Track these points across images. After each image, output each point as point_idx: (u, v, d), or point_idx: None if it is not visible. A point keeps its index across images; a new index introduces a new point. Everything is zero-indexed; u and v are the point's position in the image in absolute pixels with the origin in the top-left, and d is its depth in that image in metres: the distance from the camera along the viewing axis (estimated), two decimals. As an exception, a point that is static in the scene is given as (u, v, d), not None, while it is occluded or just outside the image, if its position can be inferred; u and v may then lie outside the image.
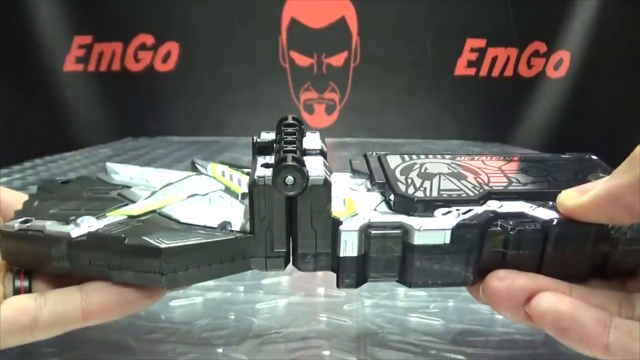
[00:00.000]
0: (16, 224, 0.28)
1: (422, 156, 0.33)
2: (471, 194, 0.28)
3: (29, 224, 0.28)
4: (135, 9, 0.99)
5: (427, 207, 0.27)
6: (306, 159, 0.28)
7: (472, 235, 0.26)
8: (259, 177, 0.27)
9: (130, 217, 0.28)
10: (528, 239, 0.27)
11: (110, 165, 0.36)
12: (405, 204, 0.28)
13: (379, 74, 1.06)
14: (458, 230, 0.26)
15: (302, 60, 1.06)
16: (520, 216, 0.27)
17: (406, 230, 0.26)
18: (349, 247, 0.27)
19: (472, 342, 0.35)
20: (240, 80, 1.04)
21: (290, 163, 0.26)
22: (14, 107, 0.85)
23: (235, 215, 0.30)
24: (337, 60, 1.06)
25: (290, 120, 0.31)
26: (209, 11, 1.01)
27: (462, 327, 0.37)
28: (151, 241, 0.26)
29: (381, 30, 1.05)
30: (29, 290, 0.29)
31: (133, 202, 0.30)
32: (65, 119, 0.92)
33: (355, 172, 0.32)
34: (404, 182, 0.29)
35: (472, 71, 1.06)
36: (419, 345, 0.34)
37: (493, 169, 0.31)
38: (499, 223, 0.27)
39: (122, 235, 0.26)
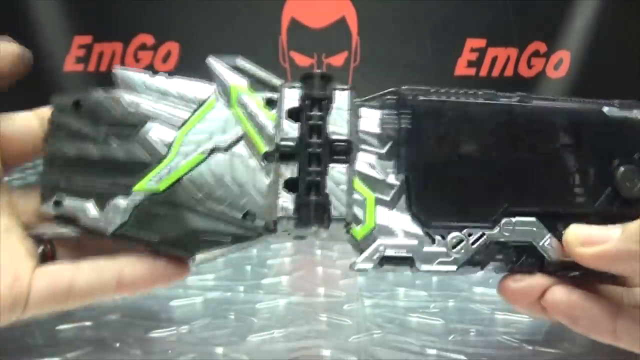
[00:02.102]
0: (51, 209, 0.29)
1: (459, 112, 0.30)
2: (488, 212, 0.29)
3: (62, 209, 0.29)
4: (135, 9, 0.99)
5: (443, 231, 0.29)
6: (331, 172, 0.29)
7: (476, 268, 0.29)
8: (282, 209, 0.28)
9: (155, 194, 0.29)
10: (525, 271, 0.29)
11: (120, 74, 0.32)
12: (423, 222, 0.29)
13: (379, 74, 1.06)
14: (462, 268, 0.29)
15: (302, 60, 1.06)
16: (530, 253, 0.29)
17: (413, 262, 0.28)
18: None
19: (472, 342, 0.35)
20: (240, 80, 1.04)
21: (313, 215, 0.28)
22: (14, 107, 0.85)
23: (257, 192, 0.30)
24: (337, 60, 1.06)
25: (316, 93, 0.30)
26: (209, 11, 1.01)
27: (462, 327, 0.37)
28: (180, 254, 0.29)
29: (381, 30, 1.04)
30: (54, 256, 0.30)
31: (155, 156, 0.30)
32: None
33: (384, 128, 0.30)
34: (430, 181, 0.30)
35: (472, 71, 1.06)
36: (419, 345, 0.34)
37: (520, 154, 0.30)
38: (502, 257, 0.29)
39: (156, 240, 0.29)
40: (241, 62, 0.32)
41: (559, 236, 0.29)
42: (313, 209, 0.28)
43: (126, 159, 0.30)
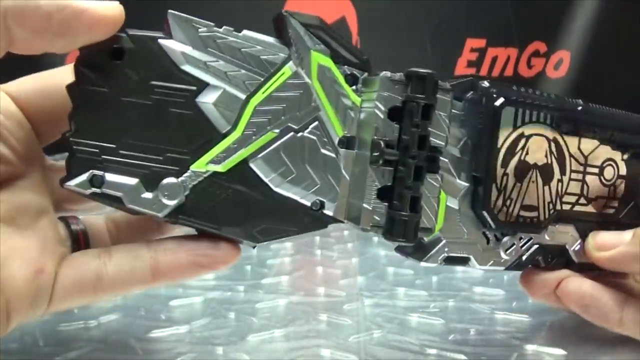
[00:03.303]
0: (86, 186, 0.24)
1: (534, 114, 0.30)
2: (542, 217, 0.31)
3: (100, 188, 0.24)
4: (135, 9, 0.99)
5: (496, 235, 0.30)
6: (426, 183, 0.28)
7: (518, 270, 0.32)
8: (374, 218, 0.27)
9: (217, 173, 0.25)
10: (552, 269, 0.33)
11: (176, 19, 0.27)
12: (484, 224, 0.30)
13: (379, 74, 1.06)
14: (508, 269, 0.31)
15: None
16: (560, 254, 0.32)
17: (469, 261, 0.30)
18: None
19: (472, 341, 0.35)
20: (240, 80, 1.04)
21: (407, 232, 0.27)
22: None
23: (330, 180, 0.27)
24: (337, 60, 1.06)
25: (427, 99, 0.27)
26: (209, 11, 1.01)
27: (462, 327, 0.37)
28: (245, 242, 0.27)
29: (381, 30, 1.04)
30: (86, 234, 0.27)
31: (219, 129, 0.25)
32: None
33: (463, 123, 0.29)
34: (499, 184, 0.30)
35: (472, 71, 1.06)
36: (419, 344, 0.34)
37: (581, 161, 0.32)
38: (540, 259, 0.32)
39: (216, 228, 0.25)
40: (323, 24, 0.27)
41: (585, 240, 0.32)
42: (405, 226, 0.27)
43: (182, 130, 0.25)
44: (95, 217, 0.28)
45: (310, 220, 0.27)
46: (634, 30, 0.86)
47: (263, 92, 0.26)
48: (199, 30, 0.26)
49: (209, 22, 0.26)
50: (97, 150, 0.24)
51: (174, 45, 0.25)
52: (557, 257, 0.32)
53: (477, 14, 1.02)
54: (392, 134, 0.27)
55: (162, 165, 0.24)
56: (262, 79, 0.26)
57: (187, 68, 0.25)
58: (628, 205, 0.33)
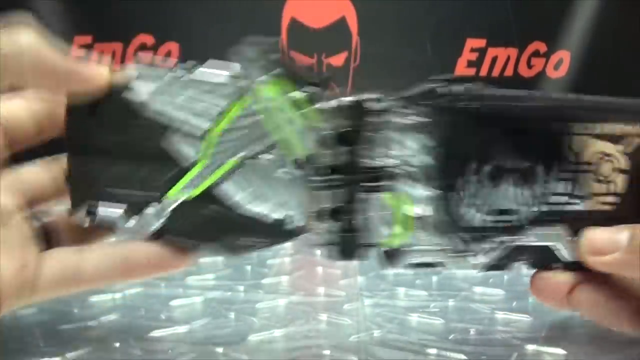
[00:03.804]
0: (84, 219, 0.28)
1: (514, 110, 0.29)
2: (521, 220, 0.30)
3: (96, 219, 0.28)
4: (135, 9, 0.99)
5: (472, 235, 0.30)
6: (374, 200, 0.29)
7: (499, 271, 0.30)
8: (325, 237, 0.28)
9: (190, 198, 0.28)
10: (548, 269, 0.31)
11: (141, 68, 0.28)
12: (454, 229, 0.30)
13: (379, 74, 1.06)
14: (487, 270, 0.30)
15: (302, 61, 1.06)
16: (549, 256, 0.30)
17: (443, 265, 0.29)
18: None
19: (472, 341, 0.35)
20: (240, 80, 1.04)
21: (356, 251, 0.28)
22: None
23: (292, 199, 0.29)
24: (337, 60, 1.06)
25: (365, 128, 0.28)
26: (209, 11, 1.01)
27: (462, 326, 0.37)
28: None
29: (381, 30, 1.04)
30: (51, 229, 0.30)
31: (186, 161, 0.28)
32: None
33: (423, 131, 0.29)
34: (469, 188, 0.29)
35: (472, 71, 1.06)
36: (419, 344, 0.34)
37: (569, 162, 0.30)
38: (524, 259, 0.30)
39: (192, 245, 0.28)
40: (275, 52, 0.28)
41: (577, 240, 0.30)
42: (356, 245, 0.28)
43: (156, 163, 0.28)
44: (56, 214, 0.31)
45: (281, 232, 0.29)
46: (634, 30, 0.86)
47: (225, 121, 0.28)
48: (161, 74, 0.28)
49: (170, 66, 0.28)
50: (88, 188, 0.28)
51: (141, 90, 0.28)
52: (545, 259, 0.30)
53: (477, 14, 1.02)
54: (342, 157, 0.29)
55: (142, 195, 0.28)
56: (222, 111, 0.28)
57: (154, 108, 0.28)
58: (631, 201, 0.31)
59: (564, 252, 0.30)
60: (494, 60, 1.05)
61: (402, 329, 0.36)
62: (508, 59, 1.05)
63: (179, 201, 0.28)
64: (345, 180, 0.28)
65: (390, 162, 0.29)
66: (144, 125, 0.28)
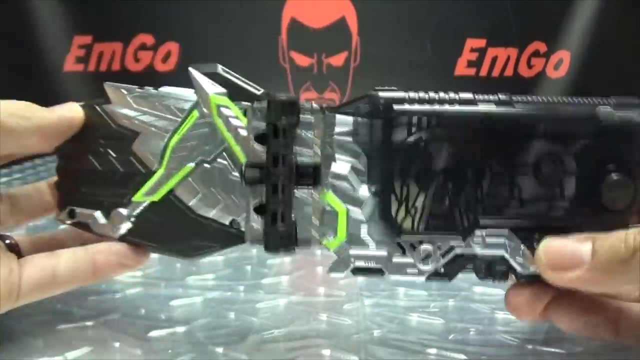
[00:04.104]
0: (66, 218, 0.33)
1: (433, 120, 0.28)
2: (457, 225, 0.29)
3: (75, 218, 0.33)
4: (135, 9, 0.99)
5: (413, 241, 0.29)
6: (298, 197, 0.30)
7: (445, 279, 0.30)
8: (251, 232, 0.30)
9: (153, 203, 0.32)
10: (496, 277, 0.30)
11: (110, 89, 0.33)
12: (394, 233, 0.30)
13: (379, 74, 1.06)
14: (431, 279, 0.30)
15: (302, 60, 1.06)
16: (497, 262, 0.29)
17: (383, 272, 0.30)
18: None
19: (472, 341, 0.35)
20: (240, 80, 1.04)
21: (279, 244, 0.30)
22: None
23: (239, 202, 0.31)
24: (337, 60, 1.06)
25: (279, 124, 0.30)
26: (209, 11, 1.01)
27: (462, 326, 0.37)
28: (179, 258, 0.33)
29: (381, 30, 1.04)
30: (18, 246, 0.33)
31: (148, 168, 0.32)
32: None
33: (357, 137, 0.30)
34: (399, 195, 0.29)
35: (472, 71, 1.06)
36: (419, 344, 0.34)
37: (503, 165, 0.28)
38: (471, 267, 0.29)
39: (155, 246, 0.33)
40: (220, 70, 0.32)
41: (532, 249, 0.28)
42: (279, 238, 0.30)
43: (123, 171, 0.32)
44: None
45: (229, 236, 0.32)
46: (634, 30, 0.86)
47: (178, 134, 0.32)
48: (126, 93, 0.32)
49: (134, 86, 0.33)
50: (71, 194, 0.33)
51: (111, 108, 0.32)
52: (496, 268, 0.29)
53: (477, 14, 1.02)
54: (261, 156, 0.30)
55: (112, 200, 0.32)
56: (177, 124, 0.32)
57: (122, 123, 0.32)
58: (584, 205, 0.28)
59: (512, 262, 0.29)
60: (494, 60, 1.05)
61: (402, 328, 0.36)
62: (508, 59, 1.05)
63: (143, 205, 0.32)
64: (269, 176, 0.30)
65: (319, 161, 0.30)
66: (114, 137, 0.32)
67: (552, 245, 0.27)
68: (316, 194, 0.30)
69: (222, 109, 0.31)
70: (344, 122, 0.30)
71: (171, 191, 0.32)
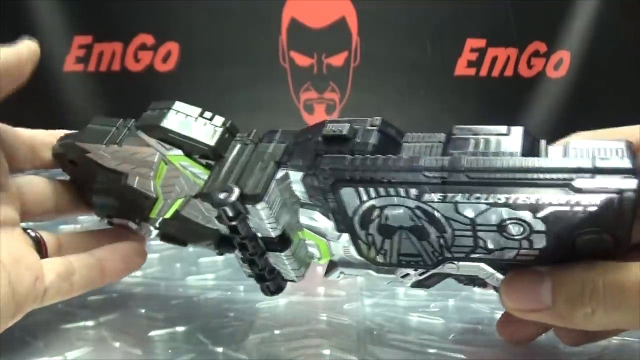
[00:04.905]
0: (107, 224, 0.39)
1: (381, 191, 0.26)
2: (429, 261, 0.29)
3: (114, 224, 0.38)
4: (135, 9, 0.99)
5: (388, 270, 0.30)
6: (271, 257, 0.31)
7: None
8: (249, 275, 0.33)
9: (166, 218, 0.35)
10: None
11: (83, 146, 0.35)
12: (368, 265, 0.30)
13: (379, 74, 1.06)
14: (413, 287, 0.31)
15: (302, 60, 1.06)
16: (471, 278, 0.29)
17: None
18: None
19: (472, 341, 0.35)
20: (240, 81, 1.04)
21: (271, 290, 0.33)
22: (13, 107, 0.85)
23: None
24: (337, 60, 1.06)
25: (232, 223, 0.29)
26: (209, 11, 1.01)
27: (462, 326, 0.37)
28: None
29: (381, 30, 1.04)
30: (43, 239, 0.34)
31: (149, 195, 0.35)
32: (66, 119, 0.92)
33: (312, 198, 0.29)
34: (365, 241, 0.29)
35: (472, 71, 1.06)
36: (419, 344, 0.34)
37: (463, 223, 0.26)
38: (452, 278, 0.30)
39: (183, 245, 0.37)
40: (165, 124, 0.31)
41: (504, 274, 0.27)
42: (268, 291, 0.32)
43: (131, 198, 0.35)
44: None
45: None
46: (634, 30, 0.86)
47: (158, 179, 0.34)
48: (102, 148, 0.34)
49: (101, 145, 0.34)
50: (104, 210, 0.37)
51: (95, 155, 0.35)
52: (475, 282, 0.30)
53: (477, 14, 1.02)
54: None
55: (135, 215, 0.36)
56: (153, 172, 0.34)
57: (109, 166, 0.35)
58: (554, 254, 0.25)
59: (489, 281, 0.29)
60: (494, 60, 1.05)
61: (402, 328, 0.36)
62: (508, 59, 1.05)
63: (160, 220, 0.35)
64: (243, 253, 0.31)
65: (278, 234, 0.29)
66: (110, 174, 0.35)
67: (512, 286, 0.26)
68: (287, 255, 0.31)
69: (186, 165, 0.32)
70: (297, 179, 0.29)
71: (177, 211, 0.34)
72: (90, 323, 0.36)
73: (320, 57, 1.05)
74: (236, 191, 0.27)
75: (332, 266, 0.32)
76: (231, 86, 1.04)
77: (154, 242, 0.51)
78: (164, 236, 0.36)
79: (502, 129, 0.26)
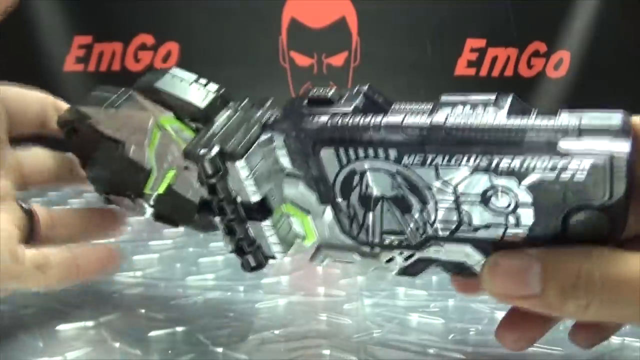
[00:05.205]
0: (104, 201, 0.39)
1: (360, 153, 0.26)
2: (413, 241, 0.27)
3: (111, 201, 0.39)
4: (135, 9, 0.99)
5: (373, 255, 0.29)
6: (252, 228, 0.30)
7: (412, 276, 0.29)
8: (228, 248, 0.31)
9: (160, 194, 0.35)
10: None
11: (84, 110, 0.36)
12: (353, 246, 0.30)
13: (379, 74, 1.06)
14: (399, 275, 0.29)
15: (302, 60, 1.06)
16: (459, 266, 0.27)
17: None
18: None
19: (472, 341, 0.35)
20: (240, 81, 1.04)
21: (250, 266, 0.31)
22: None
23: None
24: (337, 60, 1.06)
25: (211, 182, 0.28)
26: (208, 11, 1.01)
27: (462, 326, 0.37)
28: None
29: (381, 30, 1.04)
30: (34, 213, 0.35)
31: (143, 167, 0.35)
32: (65, 119, 0.92)
33: (294, 163, 0.29)
34: (347, 214, 0.28)
35: (472, 71, 1.06)
36: (419, 344, 0.34)
37: (445, 191, 0.25)
38: (437, 266, 0.28)
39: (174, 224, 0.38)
40: (161, 85, 0.32)
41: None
42: (249, 265, 0.31)
43: (130, 169, 0.35)
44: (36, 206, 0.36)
45: None
46: (634, 30, 0.86)
47: (152, 148, 0.34)
48: (101, 112, 0.35)
49: (100, 109, 0.35)
50: (101, 185, 0.38)
51: (95, 120, 0.35)
52: (462, 270, 0.27)
53: (477, 14, 1.02)
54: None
55: (131, 191, 0.36)
56: (147, 140, 0.34)
57: (107, 134, 0.35)
58: (543, 233, 0.24)
59: (476, 269, 0.27)
60: (494, 60, 1.05)
61: (402, 329, 0.36)
62: (508, 59, 1.05)
63: (154, 196, 0.35)
64: (221, 221, 0.30)
65: (258, 198, 0.29)
66: (108, 142, 0.35)
67: (497, 268, 0.24)
68: (267, 225, 0.30)
69: (177, 129, 0.32)
70: (280, 146, 0.28)
71: (170, 185, 0.34)
72: (89, 323, 0.36)
73: (320, 57, 1.05)
74: (216, 148, 0.28)
75: (317, 250, 0.31)
76: (231, 86, 1.03)
77: (154, 242, 0.51)
78: (158, 216, 0.36)
79: (492, 96, 0.25)
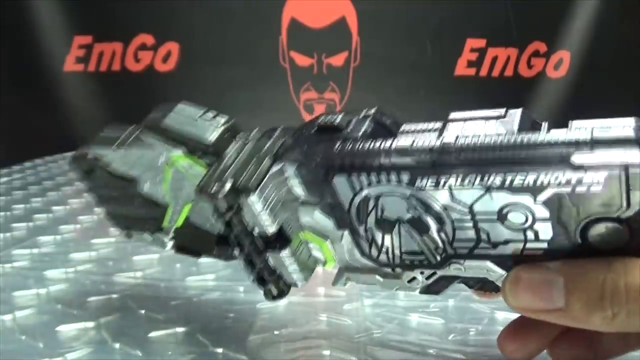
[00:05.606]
0: (125, 237, 0.38)
1: (372, 178, 0.26)
2: (433, 260, 0.27)
3: (133, 237, 0.38)
4: (135, 9, 0.99)
5: (395, 275, 0.29)
6: (270, 257, 0.30)
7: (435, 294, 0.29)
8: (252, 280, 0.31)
9: (178, 228, 0.35)
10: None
11: (93, 154, 0.36)
12: (374, 268, 0.30)
13: (379, 74, 1.06)
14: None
15: (302, 60, 1.06)
16: (482, 281, 0.27)
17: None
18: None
19: (472, 341, 0.35)
20: (241, 81, 1.04)
21: (273, 295, 0.30)
22: (14, 107, 0.85)
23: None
24: (337, 60, 1.06)
25: (227, 216, 0.29)
26: (209, 11, 1.01)
27: (462, 327, 0.36)
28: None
29: (381, 30, 1.05)
30: None
31: (159, 203, 0.35)
32: (66, 119, 0.92)
33: (308, 192, 0.29)
34: (366, 238, 0.28)
35: (472, 71, 1.06)
36: (419, 344, 0.34)
37: (462, 211, 0.25)
38: (460, 282, 0.28)
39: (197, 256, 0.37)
40: (168, 122, 0.32)
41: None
42: (270, 295, 0.31)
43: (147, 205, 0.35)
44: None
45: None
46: (634, 30, 0.86)
47: (165, 184, 0.34)
48: (111, 153, 0.35)
49: (110, 150, 0.35)
50: (120, 221, 0.38)
51: (105, 163, 0.35)
52: (484, 284, 0.27)
53: (477, 14, 1.02)
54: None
55: (151, 226, 0.36)
56: (160, 177, 0.34)
57: (120, 172, 0.35)
58: (562, 246, 0.24)
59: (499, 282, 0.27)
60: (494, 60, 1.05)
61: (402, 329, 0.36)
62: (508, 59, 1.05)
63: (173, 229, 0.35)
64: (241, 253, 0.30)
65: (274, 230, 0.29)
66: (121, 181, 0.35)
67: (518, 283, 0.24)
68: (285, 253, 0.30)
69: (188, 167, 0.32)
70: (294, 175, 0.28)
71: (187, 218, 0.34)
72: (90, 324, 0.36)
73: (320, 57, 1.05)
74: (228, 184, 0.28)
75: (339, 273, 0.31)
76: (231, 86, 1.04)
77: (154, 243, 0.51)
78: (179, 248, 0.36)
79: (501, 110, 0.25)
